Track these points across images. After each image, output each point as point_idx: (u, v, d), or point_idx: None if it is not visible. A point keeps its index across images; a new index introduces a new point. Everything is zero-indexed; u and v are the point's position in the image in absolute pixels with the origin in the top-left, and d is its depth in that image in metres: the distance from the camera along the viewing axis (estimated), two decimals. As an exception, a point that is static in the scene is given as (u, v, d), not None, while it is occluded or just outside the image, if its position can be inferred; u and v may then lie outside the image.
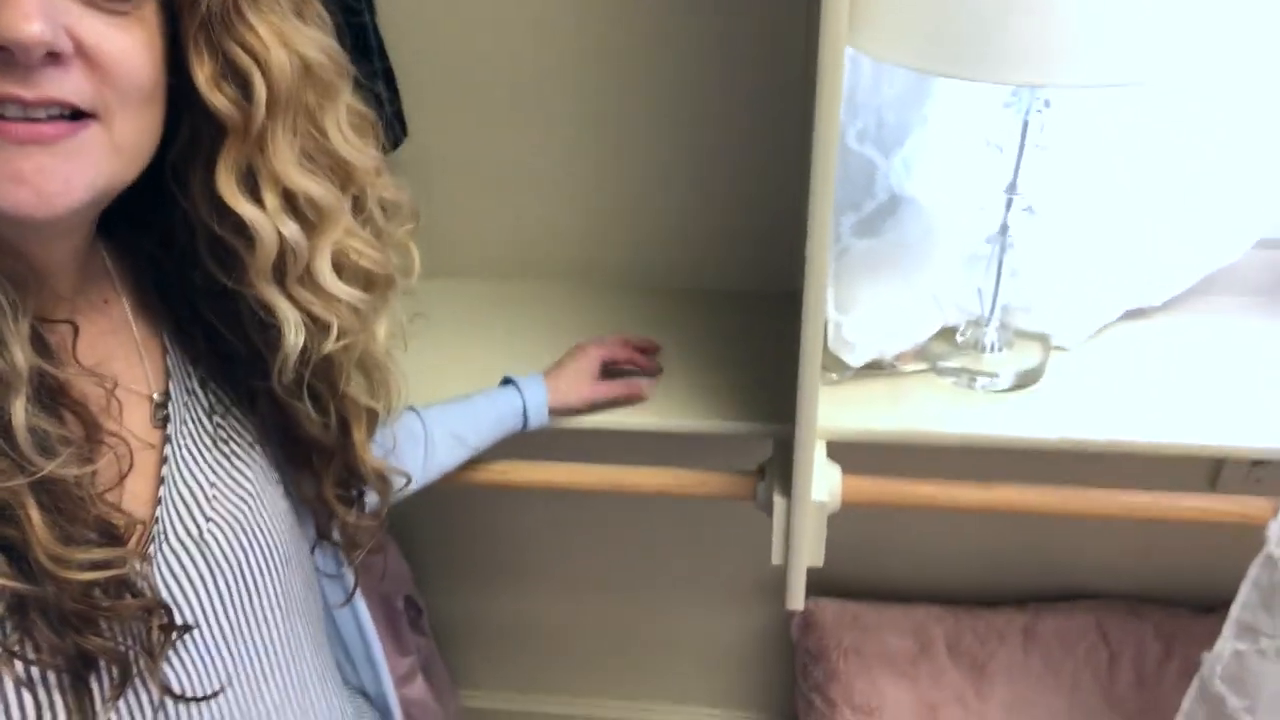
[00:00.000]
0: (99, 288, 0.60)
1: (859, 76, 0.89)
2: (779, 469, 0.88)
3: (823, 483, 0.85)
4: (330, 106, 0.58)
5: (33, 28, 0.43)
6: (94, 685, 0.51)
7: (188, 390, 0.63)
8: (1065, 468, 0.90)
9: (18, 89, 0.44)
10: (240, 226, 0.55)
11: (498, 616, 1.46)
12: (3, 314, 0.47)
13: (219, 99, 0.52)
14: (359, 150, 0.60)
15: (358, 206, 0.61)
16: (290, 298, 0.58)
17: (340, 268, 0.60)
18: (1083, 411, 0.89)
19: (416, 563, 1.34)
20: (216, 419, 0.64)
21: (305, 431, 0.64)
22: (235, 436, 0.64)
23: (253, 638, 0.61)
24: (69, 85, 0.46)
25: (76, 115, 0.47)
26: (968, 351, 0.94)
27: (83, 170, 0.48)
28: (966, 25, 0.66)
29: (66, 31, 0.45)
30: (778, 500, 0.85)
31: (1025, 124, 0.81)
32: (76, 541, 0.49)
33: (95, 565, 0.49)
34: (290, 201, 0.56)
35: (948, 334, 0.96)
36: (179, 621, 0.56)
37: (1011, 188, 0.85)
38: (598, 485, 0.94)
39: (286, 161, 0.55)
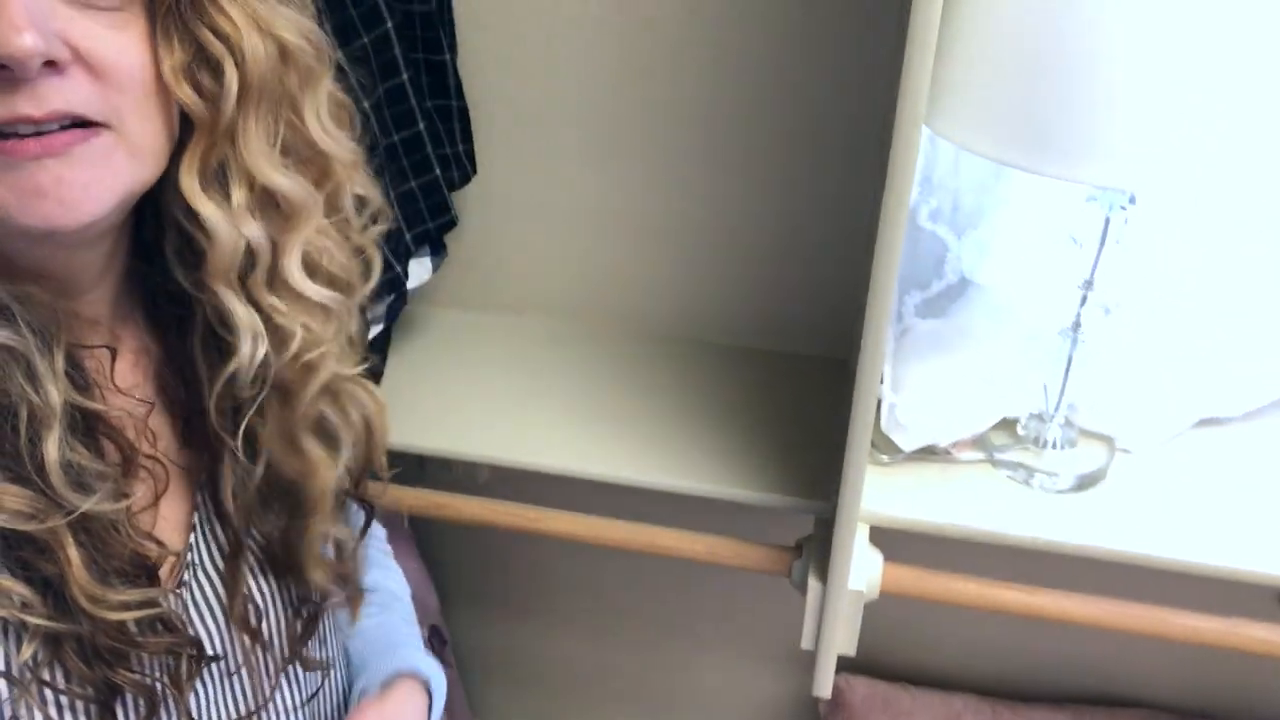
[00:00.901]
0: (136, 311, 0.59)
1: (937, 154, 0.86)
2: (817, 549, 0.85)
3: (861, 571, 0.82)
4: (310, 94, 0.54)
5: (24, 39, 0.41)
6: (120, 715, 0.51)
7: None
8: (1121, 576, 0.85)
9: (26, 108, 0.43)
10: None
11: (521, 653, 1.45)
12: (37, 349, 0.47)
13: (184, 91, 0.48)
14: (338, 142, 0.56)
15: (331, 202, 0.57)
16: (253, 302, 0.54)
17: (311, 269, 0.56)
18: (1145, 522, 0.84)
19: (445, 593, 1.33)
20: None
21: (279, 479, 0.59)
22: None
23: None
24: (75, 96, 0.45)
25: (87, 123, 0.46)
26: (1028, 446, 0.90)
27: (101, 176, 0.47)
28: (1051, 119, 0.63)
29: (60, 37, 0.44)
30: (812, 584, 0.82)
31: (1108, 220, 0.78)
32: (113, 578, 0.49)
33: (132, 605, 0.49)
34: (261, 197, 0.52)
35: (1008, 425, 0.92)
36: (209, 653, 0.56)
37: (1088, 284, 0.82)
38: (627, 543, 0.91)
39: (258, 155, 0.51)
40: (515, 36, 0.97)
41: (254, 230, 0.52)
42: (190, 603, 0.57)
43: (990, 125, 0.66)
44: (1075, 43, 0.61)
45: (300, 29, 0.52)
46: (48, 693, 0.48)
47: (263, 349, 0.54)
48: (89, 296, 0.54)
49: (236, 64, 0.49)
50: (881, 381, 0.90)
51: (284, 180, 0.52)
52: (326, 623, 0.65)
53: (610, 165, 1.02)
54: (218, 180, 0.51)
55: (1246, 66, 0.60)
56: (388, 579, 0.79)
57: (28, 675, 0.47)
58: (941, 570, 0.89)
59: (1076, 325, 0.84)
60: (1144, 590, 0.86)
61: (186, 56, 0.48)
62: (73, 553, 0.47)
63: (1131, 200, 0.77)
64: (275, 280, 0.54)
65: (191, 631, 0.56)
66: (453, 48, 0.94)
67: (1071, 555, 0.84)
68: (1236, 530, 0.83)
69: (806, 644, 0.85)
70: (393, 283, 0.91)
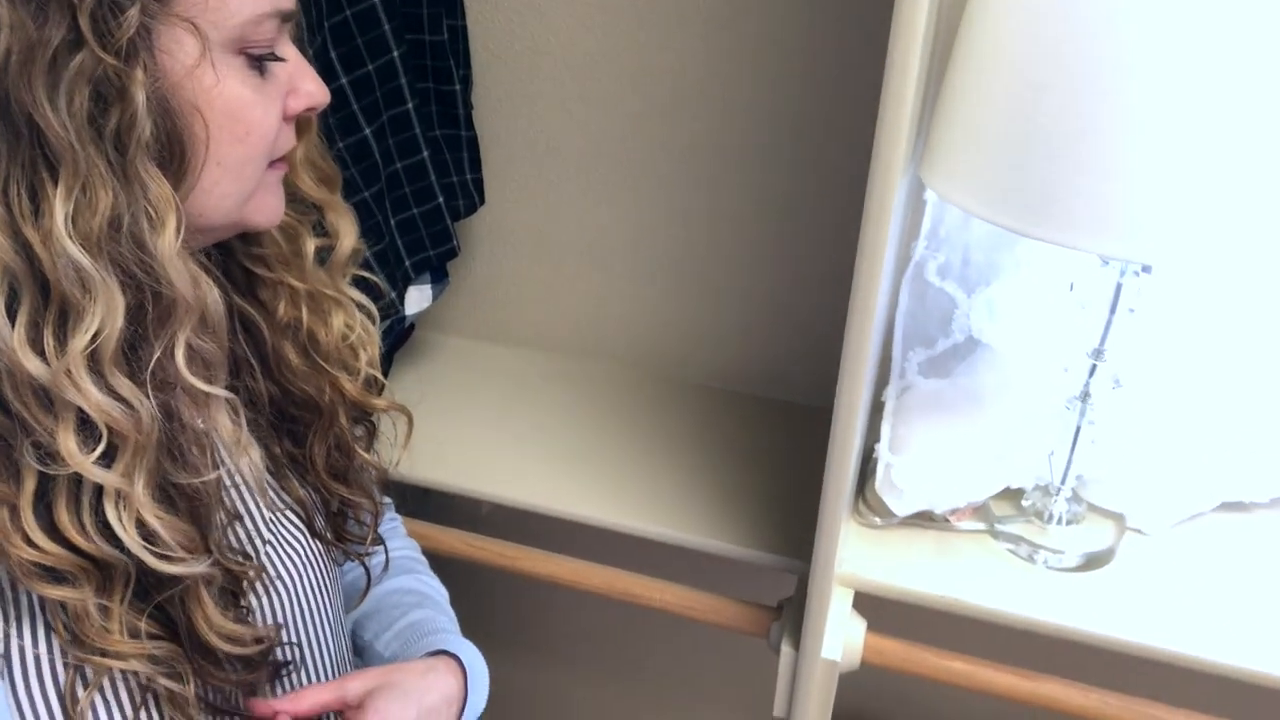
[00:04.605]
0: None
1: (946, 209, 0.83)
2: (795, 612, 0.81)
3: (838, 638, 0.78)
4: None
5: (320, 86, 0.56)
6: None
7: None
8: (1125, 666, 0.79)
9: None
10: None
11: (501, 685, 1.43)
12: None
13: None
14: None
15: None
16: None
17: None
18: (1155, 610, 0.79)
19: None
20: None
21: (296, 388, 0.64)
22: (272, 462, 0.65)
23: (312, 658, 0.63)
24: None
25: None
26: (1031, 520, 0.85)
27: None
28: (1051, 183, 0.59)
29: None
30: (785, 649, 0.78)
31: (1119, 287, 0.74)
32: (236, 605, 0.54)
33: (252, 640, 0.54)
34: None
35: (1012, 496, 0.87)
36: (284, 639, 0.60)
37: (1098, 353, 0.77)
38: (604, 589, 0.89)
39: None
40: (530, 71, 0.97)
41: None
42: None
43: (988, 187, 0.63)
44: (1071, 109, 0.58)
45: None
46: None
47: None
48: None
49: None
50: (879, 441, 0.86)
51: None
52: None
53: (616, 204, 1.01)
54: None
55: (1251, 135, 0.56)
56: (422, 584, 0.81)
57: None
58: (932, 643, 0.84)
59: (1085, 395, 0.79)
60: (1149, 684, 0.80)
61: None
62: (205, 594, 0.51)
63: (1146, 269, 0.72)
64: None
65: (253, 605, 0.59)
66: (465, 79, 0.94)
67: (1072, 640, 0.78)
68: (1255, 627, 0.77)
69: (778, 712, 0.81)
70: (388, 308, 0.90)
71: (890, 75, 0.53)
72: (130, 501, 0.47)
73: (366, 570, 0.72)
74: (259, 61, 0.52)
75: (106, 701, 0.50)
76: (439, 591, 0.82)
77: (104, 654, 0.48)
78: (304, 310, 0.63)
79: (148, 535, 0.47)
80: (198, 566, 0.49)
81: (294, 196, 0.62)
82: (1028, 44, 0.59)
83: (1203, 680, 0.76)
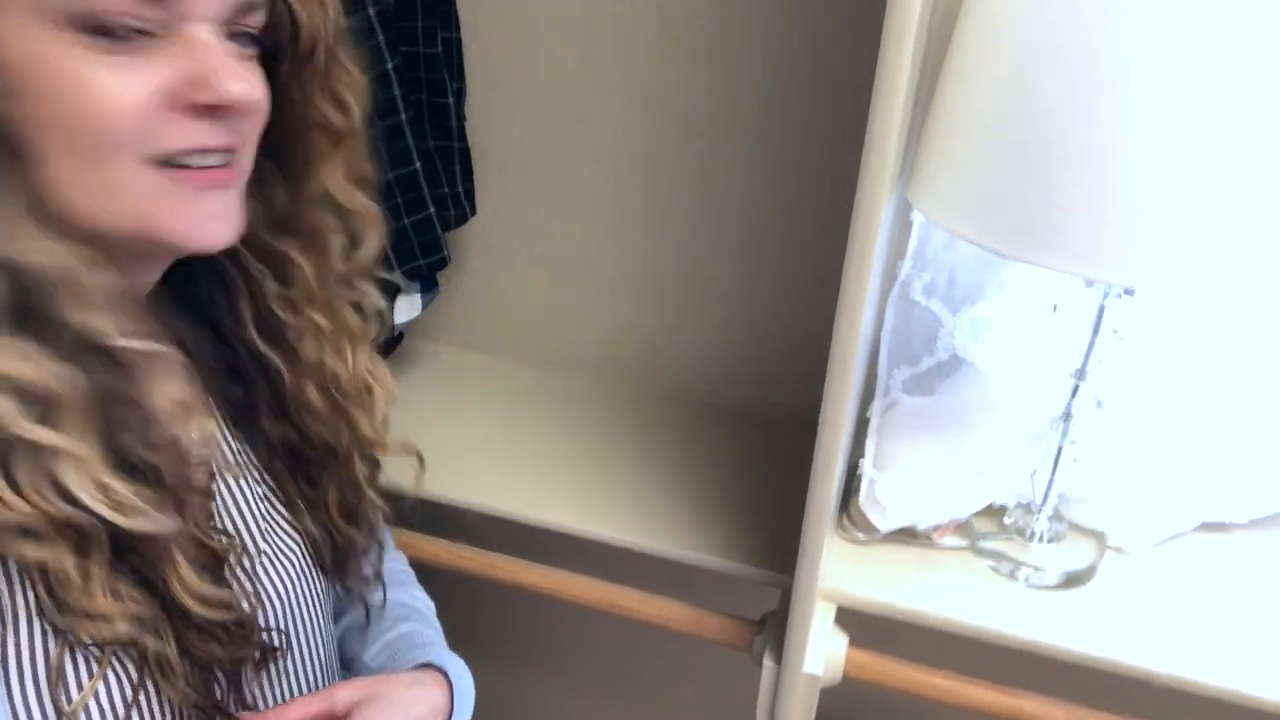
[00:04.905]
0: (161, 327, 0.62)
1: (932, 230, 0.84)
2: (778, 626, 0.81)
3: (820, 652, 0.78)
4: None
5: (244, 86, 0.50)
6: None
7: (230, 433, 0.64)
8: (1105, 684, 0.80)
9: (212, 139, 0.50)
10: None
11: (486, 695, 1.43)
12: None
13: (336, 116, 0.59)
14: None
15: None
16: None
17: None
18: (1134, 628, 0.79)
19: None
20: (257, 461, 0.65)
21: (313, 431, 0.65)
22: (270, 479, 0.65)
23: (301, 667, 0.63)
24: (234, 129, 0.51)
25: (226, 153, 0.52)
26: (1013, 537, 0.86)
27: (238, 201, 0.54)
28: (1037, 207, 0.60)
29: None
30: (767, 663, 0.79)
31: (1101, 308, 0.75)
32: (212, 577, 0.53)
33: (224, 603, 0.53)
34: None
35: (994, 513, 0.88)
36: (271, 642, 0.60)
37: (1080, 373, 0.78)
38: (588, 600, 0.89)
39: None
40: (522, 85, 0.97)
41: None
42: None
43: (973, 209, 0.64)
44: (1055, 135, 0.59)
45: None
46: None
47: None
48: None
49: (357, 100, 0.60)
50: (864, 456, 0.87)
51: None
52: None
53: (605, 217, 1.02)
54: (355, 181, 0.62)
55: (1233, 161, 0.57)
56: (411, 597, 0.81)
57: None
58: (914, 658, 0.84)
59: (1067, 415, 0.80)
60: (1128, 702, 0.81)
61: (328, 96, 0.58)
62: (179, 555, 0.51)
63: (1129, 291, 0.73)
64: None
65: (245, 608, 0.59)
66: (459, 91, 0.95)
67: (1052, 657, 0.79)
68: (1233, 646, 0.78)
69: (759, 726, 0.81)
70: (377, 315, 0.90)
71: (876, 102, 0.54)
72: (84, 464, 0.47)
73: (366, 608, 0.72)
74: (118, 37, 0.46)
75: (100, 706, 0.50)
76: (426, 604, 0.82)
77: (88, 616, 0.48)
78: (327, 350, 0.64)
79: (107, 496, 0.47)
80: (165, 525, 0.49)
81: (326, 202, 0.61)
82: (1012, 70, 0.60)
83: (1180, 699, 0.77)
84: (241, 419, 0.64)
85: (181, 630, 0.51)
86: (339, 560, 0.68)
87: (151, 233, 0.50)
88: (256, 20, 0.53)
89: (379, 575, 0.72)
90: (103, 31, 0.46)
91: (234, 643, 0.54)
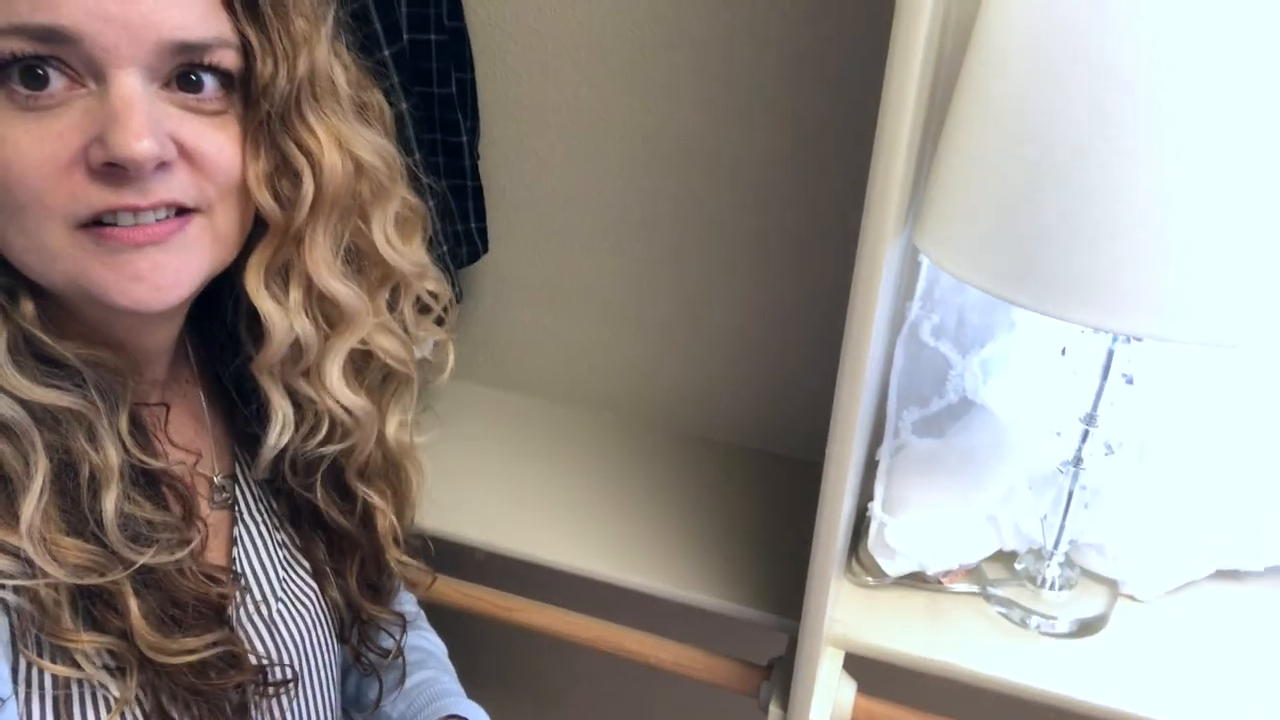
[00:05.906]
0: (184, 371, 0.63)
1: (940, 271, 0.84)
2: (784, 672, 0.80)
3: (827, 700, 0.77)
4: (379, 209, 0.59)
5: (143, 145, 0.45)
6: None
7: (252, 476, 0.64)
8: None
9: (133, 198, 0.47)
10: (256, 317, 0.56)
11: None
12: (101, 411, 0.50)
13: (264, 196, 0.53)
14: (401, 254, 0.61)
15: (392, 303, 0.62)
16: (291, 390, 0.59)
17: (366, 359, 0.61)
18: (1147, 678, 0.78)
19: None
20: (276, 506, 0.65)
21: (331, 518, 0.65)
22: (290, 527, 0.66)
23: (308, 711, 0.63)
24: (176, 186, 0.48)
25: (181, 211, 0.49)
26: (1024, 584, 0.85)
27: (190, 262, 0.50)
28: (1042, 254, 0.60)
29: (170, 138, 0.47)
30: (773, 710, 0.77)
31: (1110, 353, 0.74)
32: (180, 624, 0.51)
33: (197, 650, 0.51)
34: (318, 299, 0.57)
35: (1005, 559, 0.87)
36: (276, 677, 0.59)
37: (1090, 419, 0.77)
38: (596, 643, 0.88)
39: (320, 261, 0.56)
40: (535, 124, 0.98)
41: (305, 327, 0.56)
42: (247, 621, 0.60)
43: (977, 255, 0.63)
44: (1062, 183, 0.59)
45: (377, 149, 0.57)
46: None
47: (287, 436, 0.59)
48: (152, 362, 0.58)
49: (314, 177, 0.53)
50: (873, 499, 0.86)
51: (340, 287, 0.57)
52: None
53: (616, 256, 1.02)
54: (279, 279, 0.56)
55: (1241, 211, 0.57)
56: (423, 639, 0.81)
57: None
58: (923, 706, 0.83)
59: (1078, 460, 0.79)
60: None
61: (270, 165, 0.52)
62: (132, 603, 0.49)
63: (1137, 337, 0.73)
64: (314, 376, 0.59)
65: (260, 651, 0.59)
66: (472, 129, 0.96)
67: (1064, 707, 0.78)
68: (1248, 696, 0.76)
69: (765, 773, 0.80)
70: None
71: (880, 143, 0.55)
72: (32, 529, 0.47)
73: (380, 683, 0.72)
74: (42, 91, 0.44)
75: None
76: (439, 647, 0.82)
77: (66, 639, 0.48)
78: (390, 491, 0.66)
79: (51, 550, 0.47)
80: (113, 574, 0.48)
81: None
82: (1019, 116, 0.60)
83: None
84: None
85: (148, 668, 0.51)
86: (362, 633, 0.68)
87: (88, 293, 0.48)
88: (213, 59, 0.48)
89: (400, 651, 0.71)
90: (23, 81, 0.44)
91: (211, 677, 0.53)
